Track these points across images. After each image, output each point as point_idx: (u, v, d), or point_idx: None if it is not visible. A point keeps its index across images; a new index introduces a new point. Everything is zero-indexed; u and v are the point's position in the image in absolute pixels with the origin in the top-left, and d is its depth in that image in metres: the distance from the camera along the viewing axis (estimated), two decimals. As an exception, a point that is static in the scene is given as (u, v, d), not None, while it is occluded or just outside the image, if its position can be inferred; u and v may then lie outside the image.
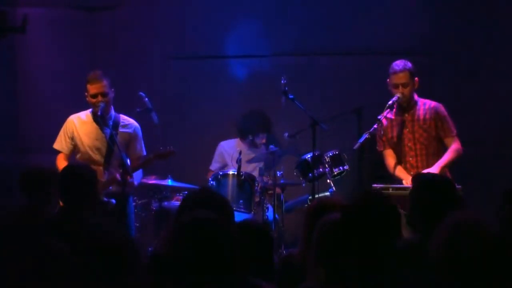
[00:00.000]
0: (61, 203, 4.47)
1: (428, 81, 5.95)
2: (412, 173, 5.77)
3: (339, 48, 7.29)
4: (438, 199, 3.48)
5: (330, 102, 7.06)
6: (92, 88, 5.75)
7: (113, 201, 5.59)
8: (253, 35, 7.32)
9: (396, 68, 5.79)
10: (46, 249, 2.71)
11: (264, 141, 6.81)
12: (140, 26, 7.42)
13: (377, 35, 7.17)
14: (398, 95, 5.77)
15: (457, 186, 5.43)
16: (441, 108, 5.88)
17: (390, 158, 5.94)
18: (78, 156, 5.91)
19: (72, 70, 7.14)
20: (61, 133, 5.95)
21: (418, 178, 3.88)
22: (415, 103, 5.88)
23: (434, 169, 5.65)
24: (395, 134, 5.90)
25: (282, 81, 6.04)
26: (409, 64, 5.81)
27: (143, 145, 6.01)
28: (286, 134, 6.33)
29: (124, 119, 5.96)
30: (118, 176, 5.59)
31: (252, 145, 6.80)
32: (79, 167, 4.72)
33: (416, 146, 5.85)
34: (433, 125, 5.84)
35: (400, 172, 5.83)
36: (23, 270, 2.67)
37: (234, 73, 7.45)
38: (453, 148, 5.82)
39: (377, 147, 5.99)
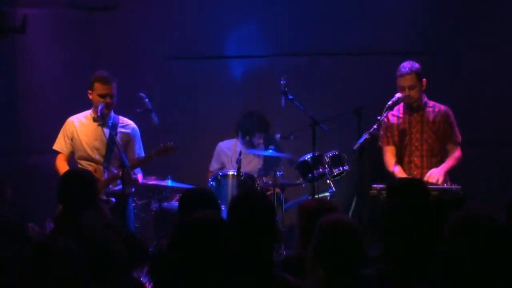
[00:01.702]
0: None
1: (428, 81, 5.94)
2: (415, 173, 5.78)
3: (339, 48, 7.29)
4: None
5: (330, 102, 7.06)
6: (103, 88, 5.75)
7: (113, 199, 5.60)
8: (253, 35, 7.32)
9: (403, 70, 5.77)
10: (56, 247, 2.72)
11: (261, 141, 6.82)
12: (140, 26, 7.41)
13: (377, 35, 7.17)
14: (398, 95, 5.76)
15: (457, 186, 5.47)
16: (450, 112, 5.90)
17: (389, 155, 5.93)
18: (77, 155, 5.92)
19: (72, 70, 7.14)
20: (61, 134, 5.96)
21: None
22: (425, 104, 5.87)
23: (439, 170, 5.66)
24: (402, 132, 5.89)
25: (281, 82, 6.04)
26: (416, 66, 5.79)
27: (141, 146, 6.00)
28: (278, 136, 6.32)
29: (123, 120, 5.97)
30: (119, 173, 5.61)
31: (250, 146, 6.80)
32: (79, 172, 4.74)
33: (423, 147, 5.85)
34: (442, 128, 5.85)
35: (398, 170, 5.82)
36: (32, 268, 2.68)
37: (234, 73, 7.45)
38: (456, 155, 5.84)
39: (379, 143, 5.97)
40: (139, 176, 5.91)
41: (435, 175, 5.65)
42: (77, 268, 2.70)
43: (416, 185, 3.98)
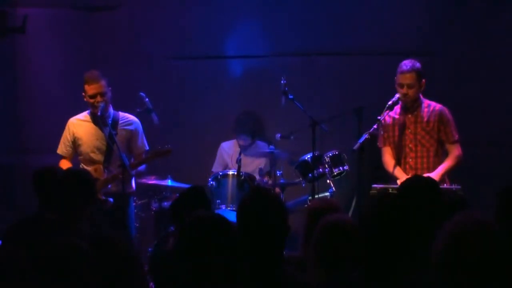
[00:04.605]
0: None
1: (428, 81, 5.94)
2: (410, 174, 5.76)
3: (339, 48, 7.29)
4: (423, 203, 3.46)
5: (330, 102, 7.06)
6: (91, 89, 5.75)
7: (111, 199, 5.59)
8: (253, 35, 7.32)
9: (404, 68, 5.74)
10: (68, 246, 2.73)
11: (242, 143, 6.84)
12: (140, 26, 7.42)
13: (377, 35, 7.17)
14: (399, 95, 5.75)
15: (457, 186, 5.45)
16: (446, 111, 5.83)
17: (388, 156, 5.93)
18: (80, 157, 5.93)
19: (72, 70, 7.13)
20: (62, 138, 5.98)
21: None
22: (420, 104, 5.84)
23: (433, 176, 5.63)
24: (396, 133, 5.88)
25: (282, 81, 6.04)
26: (418, 65, 5.76)
27: (145, 139, 6.03)
28: (279, 135, 6.33)
29: (124, 116, 5.98)
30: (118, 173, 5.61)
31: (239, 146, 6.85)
32: (75, 171, 4.73)
33: (417, 148, 5.82)
34: (436, 128, 5.80)
35: (397, 171, 5.82)
36: (45, 267, 2.68)
37: (234, 73, 7.45)
38: (454, 155, 5.80)
39: (377, 143, 5.97)
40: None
41: None
42: (89, 269, 2.70)
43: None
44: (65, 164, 5.88)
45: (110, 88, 5.83)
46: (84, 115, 5.97)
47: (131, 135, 5.94)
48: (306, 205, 6.07)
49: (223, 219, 2.73)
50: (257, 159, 6.85)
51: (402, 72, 5.73)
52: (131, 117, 5.99)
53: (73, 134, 5.92)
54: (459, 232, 2.38)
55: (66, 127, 5.97)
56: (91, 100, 5.77)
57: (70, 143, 5.92)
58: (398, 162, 5.88)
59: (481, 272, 2.30)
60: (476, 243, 2.33)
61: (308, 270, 3.12)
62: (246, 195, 3.21)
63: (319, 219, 3.12)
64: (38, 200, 4.45)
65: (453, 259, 2.34)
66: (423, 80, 5.78)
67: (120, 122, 5.93)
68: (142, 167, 5.99)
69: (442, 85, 6.80)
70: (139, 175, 6.20)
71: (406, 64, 5.75)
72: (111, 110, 5.90)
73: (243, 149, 6.76)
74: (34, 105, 7.30)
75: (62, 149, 5.95)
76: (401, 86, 5.74)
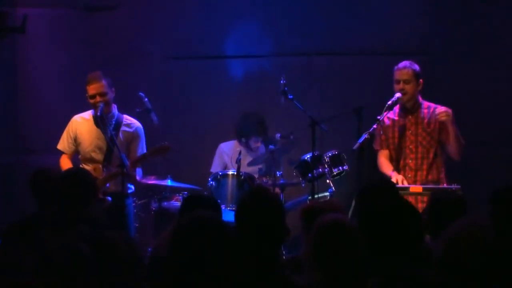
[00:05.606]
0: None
1: (427, 82, 5.94)
2: (409, 175, 5.78)
3: (339, 48, 7.29)
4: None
5: (330, 102, 7.06)
6: (91, 89, 5.78)
7: (109, 198, 5.59)
8: (253, 35, 7.31)
9: (401, 65, 5.82)
10: (67, 247, 2.73)
11: (258, 144, 6.82)
12: (140, 26, 7.41)
13: (377, 35, 7.17)
14: (398, 95, 5.75)
15: (456, 186, 5.46)
16: (448, 112, 5.85)
17: (383, 158, 5.94)
18: (80, 156, 5.94)
19: (72, 70, 7.14)
20: (64, 133, 5.99)
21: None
22: (419, 105, 5.86)
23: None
24: (396, 135, 5.89)
25: (281, 81, 6.04)
26: (415, 66, 5.82)
27: (144, 146, 6.01)
28: (279, 135, 6.33)
29: (127, 119, 6.00)
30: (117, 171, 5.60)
31: (248, 148, 6.80)
32: (78, 172, 4.74)
33: (418, 149, 5.83)
34: (437, 128, 5.82)
35: (395, 175, 5.81)
36: (45, 267, 2.68)
37: (234, 73, 7.45)
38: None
39: (373, 145, 5.97)
40: (138, 177, 5.92)
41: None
42: (89, 270, 2.70)
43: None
44: (65, 161, 5.90)
45: (113, 88, 5.84)
46: (89, 114, 6.00)
47: (132, 138, 5.94)
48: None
49: (220, 219, 2.73)
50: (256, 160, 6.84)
51: (399, 69, 5.80)
52: (134, 121, 6.00)
53: (75, 132, 5.94)
54: (459, 235, 2.38)
55: (69, 124, 5.99)
56: (92, 101, 5.79)
57: (72, 140, 5.94)
58: (397, 164, 5.88)
59: (481, 274, 2.30)
60: (476, 246, 2.33)
61: (306, 270, 3.11)
62: (245, 195, 3.21)
63: (315, 220, 3.12)
64: (38, 200, 4.46)
65: (454, 261, 2.34)
66: (421, 80, 5.80)
67: (123, 123, 5.94)
68: (139, 176, 5.97)
69: (442, 85, 6.81)
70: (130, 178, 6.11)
71: (404, 62, 5.86)
72: (115, 111, 5.91)
73: (254, 151, 6.75)
74: (34, 105, 7.30)
75: (63, 145, 5.98)
76: (398, 82, 5.78)
